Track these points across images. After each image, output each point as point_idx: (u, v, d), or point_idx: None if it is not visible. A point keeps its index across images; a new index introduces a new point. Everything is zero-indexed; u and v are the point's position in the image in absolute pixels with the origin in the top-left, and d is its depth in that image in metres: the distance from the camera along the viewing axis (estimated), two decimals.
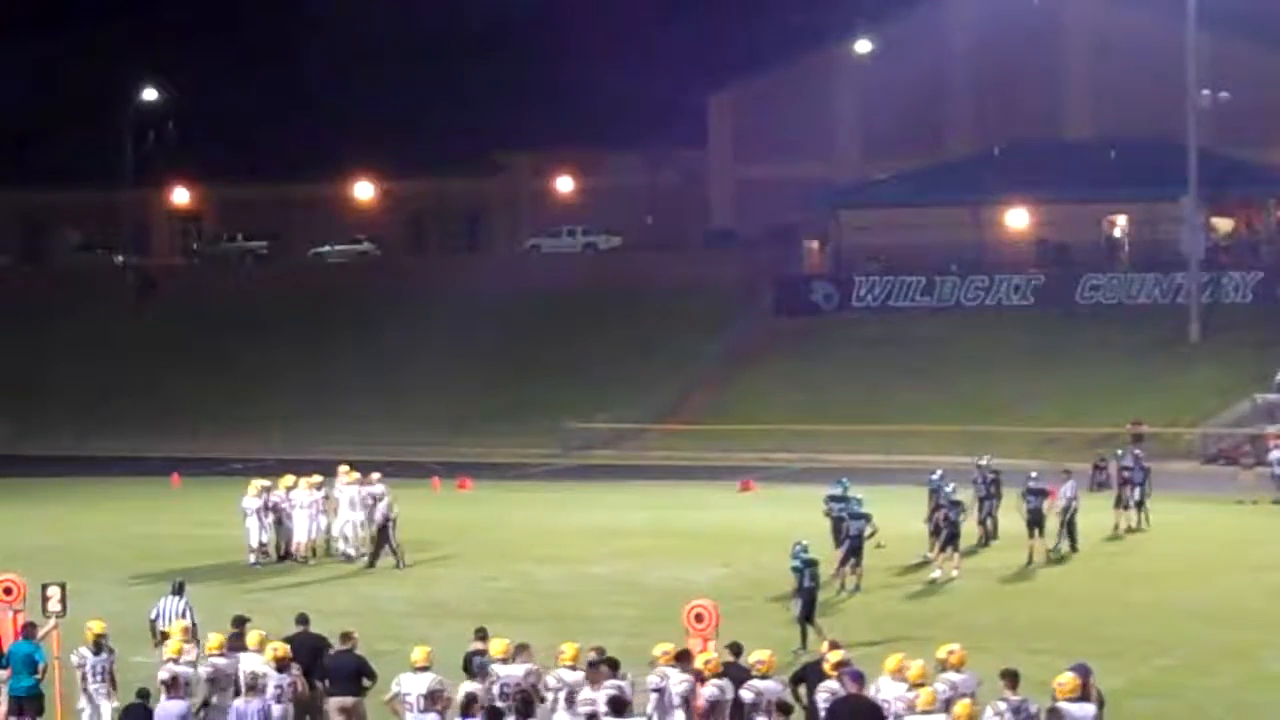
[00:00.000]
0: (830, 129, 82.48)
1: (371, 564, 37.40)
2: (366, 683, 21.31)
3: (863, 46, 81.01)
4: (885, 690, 19.02)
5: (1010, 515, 38.48)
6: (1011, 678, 18.54)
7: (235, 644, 21.62)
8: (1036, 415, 60.62)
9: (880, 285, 72.63)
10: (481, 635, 21.67)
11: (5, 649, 22.81)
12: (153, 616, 25.32)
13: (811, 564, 29.39)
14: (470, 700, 18.83)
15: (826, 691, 19.18)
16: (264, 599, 32.42)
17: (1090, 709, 18.09)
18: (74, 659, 22.12)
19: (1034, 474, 38.50)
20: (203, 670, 20.81)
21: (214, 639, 21.45)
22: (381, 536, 37.61)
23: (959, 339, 67.37)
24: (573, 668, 19.89)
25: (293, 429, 65.61)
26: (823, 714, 18.93)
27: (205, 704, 20.58)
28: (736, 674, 19.83)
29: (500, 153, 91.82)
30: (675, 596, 29.20)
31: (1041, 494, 37.41)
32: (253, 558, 37.94)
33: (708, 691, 19.39)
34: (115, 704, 21.68)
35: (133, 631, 25.92)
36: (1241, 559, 38.22)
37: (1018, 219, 76.09)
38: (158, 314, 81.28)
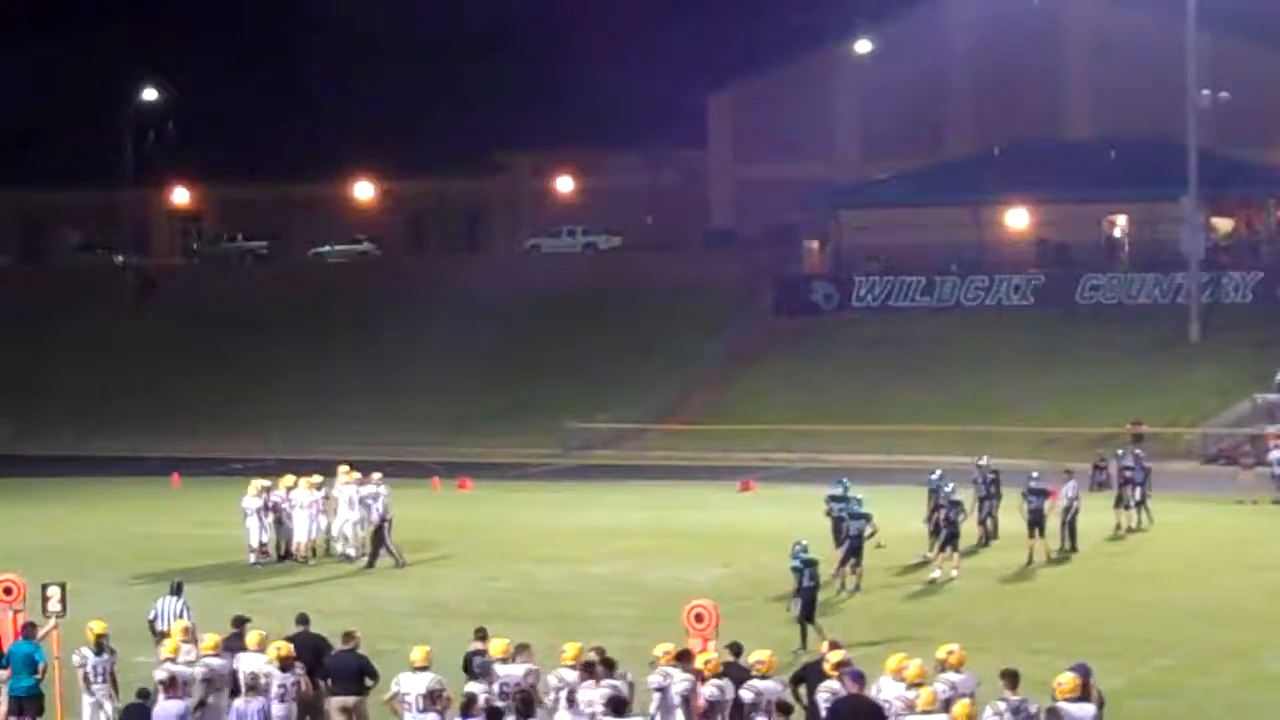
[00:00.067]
0: (830, 129, 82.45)
1: (371, 565, 37.39)
2: (369, 682, 21.33)
3: (863, 46, 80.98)
4: (886, 690, 19.01)
5: (1010, 515, 38.50)
6: (1011, 678, 18.53)
7: (233, 644, 21.64)
8: (1036, 415, 60.62)
9: (880, 285, 72.60)
10: (481, 635, 21.65)
11: (5, 649, 22.80)
12: (150, 617, 25.39)
13: (811, 564, 29.39)
14: (470, 700, 18.85)
15: (827, 691, 19.18)
16: (264, 599, 32.43)
17: (1090, 709, 18.09)
18: (75, 659, 22.07)
19: (1035, 474, 38.54)
20: (198, 670, 20.82)
21: (209, 639, 21.45)
22: (378, 537, 37.64)
23: (959, 339, 67.35)
24: (574, 667, 19.92)
25: (293, 429, 65.60)
26: (824, 714, 18.93)
27: (201, 704, 20.59)
28: (736, 674, 19.84)
29: (500, 153, 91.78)
30: (675, 596, 29.20)
31: (1043, 494, 37.43)
32: (253, 558, 37.94)
33: (707, 691, 19.41)
34: (117, 704, 21.67)
35: (133, 632, 25.91)
36: (1241, 559, 38.22)
37: (1018, 219, 76.07)
38: (158, 314, 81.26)
